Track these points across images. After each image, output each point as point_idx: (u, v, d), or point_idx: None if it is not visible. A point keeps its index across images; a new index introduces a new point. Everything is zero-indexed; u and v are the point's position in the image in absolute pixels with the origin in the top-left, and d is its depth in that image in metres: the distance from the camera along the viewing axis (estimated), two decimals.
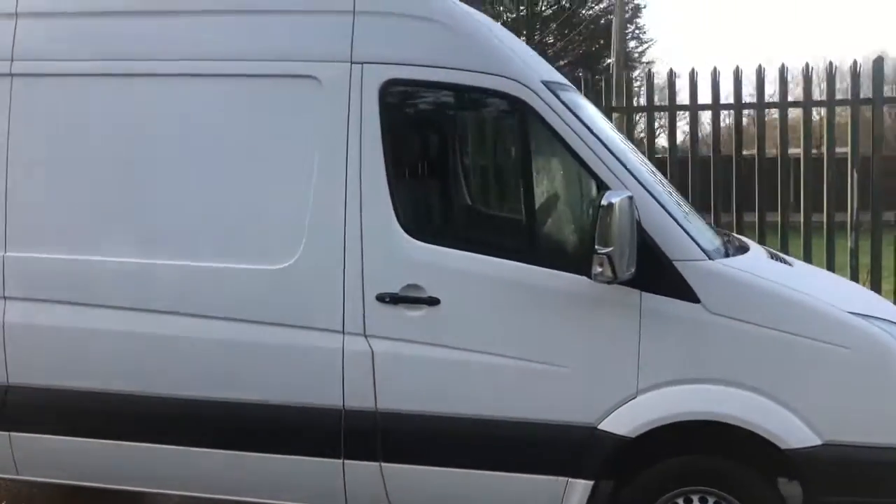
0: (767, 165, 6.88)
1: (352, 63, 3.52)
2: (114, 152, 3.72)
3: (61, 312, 3.73)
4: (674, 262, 3.27)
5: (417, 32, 3.49)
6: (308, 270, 3.54)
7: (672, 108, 7.29)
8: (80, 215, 3.74)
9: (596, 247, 3.10)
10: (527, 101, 3.40)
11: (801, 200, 6.60)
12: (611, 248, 3.08)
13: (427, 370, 3.47)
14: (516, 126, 3.46)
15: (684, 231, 3.35)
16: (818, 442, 3.22)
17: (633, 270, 3.16)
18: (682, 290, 3.26)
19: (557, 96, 3.43)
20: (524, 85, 3.42)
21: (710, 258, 3.34)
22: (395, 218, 3.47)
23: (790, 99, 6.93)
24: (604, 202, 3.08)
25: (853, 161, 6.56)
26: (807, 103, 6.83)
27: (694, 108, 7.08)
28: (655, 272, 3.25)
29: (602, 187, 3.30)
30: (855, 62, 6.49)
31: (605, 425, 3.34)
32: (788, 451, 3.23)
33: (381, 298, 3.47)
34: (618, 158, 3.38)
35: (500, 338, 3.41)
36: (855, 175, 6.48)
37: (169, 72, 3.65)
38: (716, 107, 6.98)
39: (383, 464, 3.53)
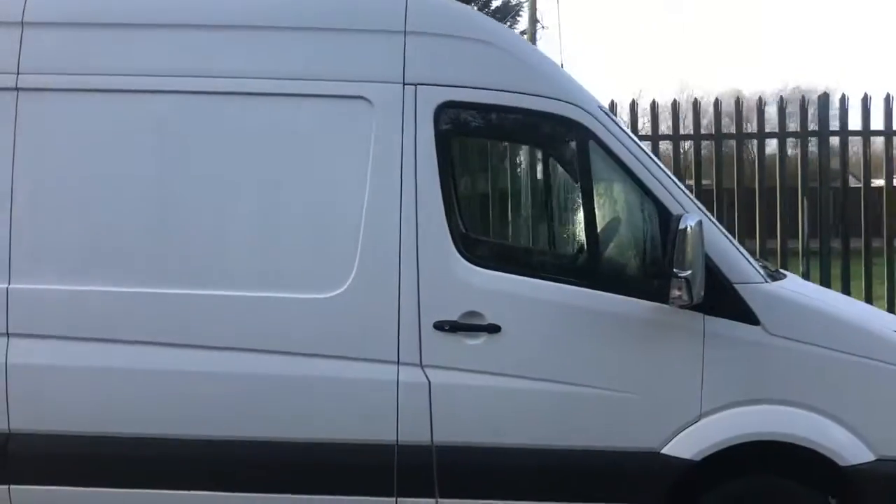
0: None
1: (404, 84, 3.41)
2: (142, 175, 3.44)
3: (80, 350, 3.39)
4: (735, 286, 3.31)
5: (473, 55, 3.43)
6: (360, 299, 3.37)
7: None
8: (103, 243, 3.42)
9: (675, 270, 3.11)
10: (587, 125, 3.39)
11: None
12: (689, 272, 3.10)
13: (486, 400, 3.36)
14: (576, 151, 3.44)
15: (742, 254, 3.42)
16: (873, 458, 3.32)
17: (702, 293, 3.19)
18: (743, 312, 3.31)
19: (614, 121, 3.44)
20: (584, 109, 3.41)
21: (766, 281, 3.41)
22: (452, 243, 3.37)
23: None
24: (681, 226, 3.09)
25: (803, 191, 6.97)
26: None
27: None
28: (718, 296, 3.29)
29: (663, 212, 3.33)
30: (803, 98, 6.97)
31: (668, 449, 3.33)
32: (847, 467, 3.31)
33: (439, 327, 3.34)
34: (675, 183, 3.42)
35: (564, 365, 3.35)
36: (805, 204, 6.88)
37: (206, 89, 3.42)
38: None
39: (440, 500, 3.38)
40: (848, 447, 3.32)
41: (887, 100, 6.68)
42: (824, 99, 6.79)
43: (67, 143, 3.45)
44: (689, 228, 3.09)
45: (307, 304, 3.38)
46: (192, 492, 3.39)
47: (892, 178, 6.75)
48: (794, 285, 3.61)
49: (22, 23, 3.48)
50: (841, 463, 3.32)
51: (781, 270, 4.16)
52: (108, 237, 3.43)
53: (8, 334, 3.41)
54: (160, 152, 3.45)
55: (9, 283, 3.41)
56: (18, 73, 3.46)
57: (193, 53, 3.45)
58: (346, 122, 3.42)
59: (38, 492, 3.43)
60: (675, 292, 3.13)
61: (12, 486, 3.43)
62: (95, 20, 3.50)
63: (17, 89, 3.45)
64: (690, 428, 3.33)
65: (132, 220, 3.44)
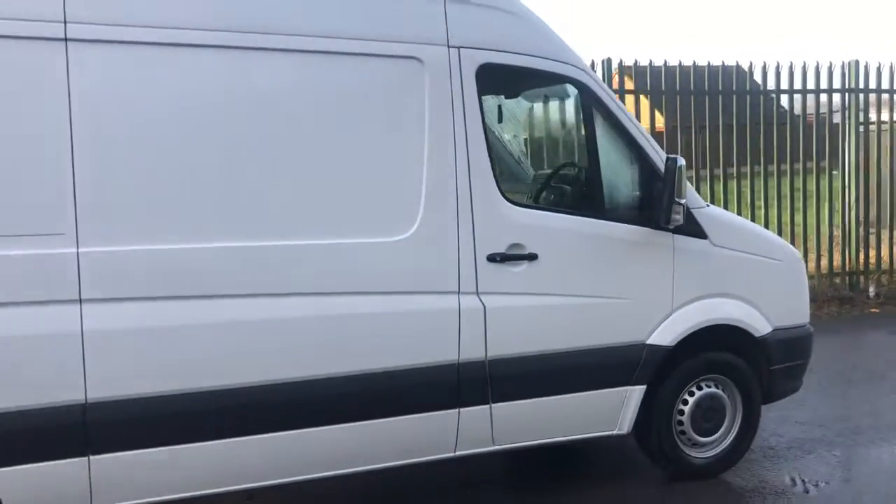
0: None
1: (449, 47, 3.83)
2: (216, 132, 3.43)
3: (163, 309, 3.35)
4: (691, 210, 4.35)
5: (503, 24, 3.96)
6: (425, 240, 3.79)
7: None
8: (180, 200, 3.38)
9: (676, 198, 4.04)
10: (588, 85, 4.16)
11: None
12: (685, 199, 4.06)
13: (527, 317, 4.02)
14: (581, 106, 4.19)
15: (691, 186, 4.46)
16: (770, 329, 4.63)
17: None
18: (697, 230, 4.37)
19: (602, 84, 4.23)
20: (584, 71, 4.16)
21: (707, 206, 4.50)
22: (496, 187, 3.92)
23: None
24: (679, 164, 4.03)
25: None
26: None
27: None
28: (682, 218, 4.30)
29: (643, 156, 4.24)
30: None
31: (652, 339, 4.31)
32: (759, 337, 4.59)
33: (491, 259, 3.90)
34: (644, 133, 4.33)
35: (584, 282, 4.13)
36: None
37: (276, 46, 3.50)
38: None
39: (493, 405, 3.99)
40: (759, 323, 4.59)
41: None
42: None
43: (132, 100, 3.32)
44: (682, 166, 4.04)
45: (378, 248, 3.72)
46: (286, 432, 3.59)
47: None
48: (719, 208, 4.78)
49: None
50: (756, 335, 4.59)
51: None
52: (185, 194, 3.40)
53: (81, 300, 3.25)
54: (231, 109, 3.47)
55: (78, 248, 3.23)
56: (66, 22, 3.21)
57: (268, 12, 3.50)
58: (403, 80, 3.76)
59: (120, 458, 3.35)
60: (675, 216, 4.08)
61: (92, 457, 3.32)
62: None
63: (66, 40, 3.21)
64: (666, 321, 4.34)
65: (208, 177, 3.44)
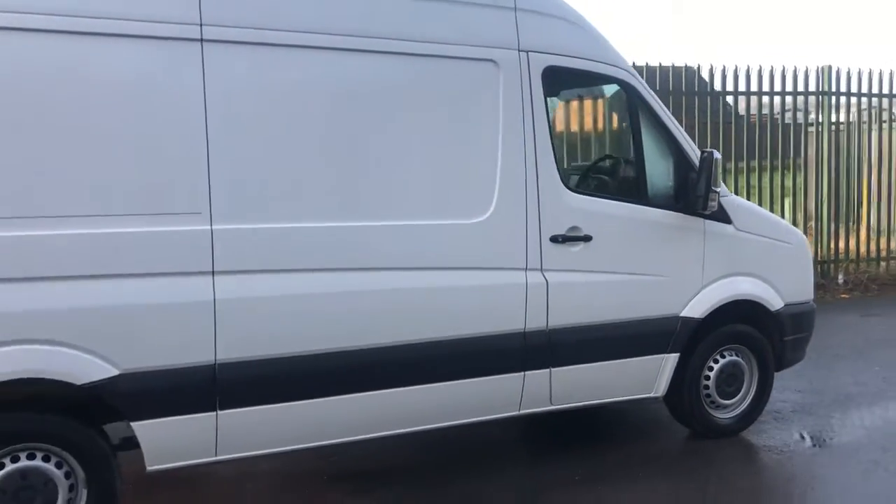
0: None
1: (519, 51, 4.34)
2: (334, 125, 3.90)
3: (285, 281, 3.79)
4: (720, 198, 4.92)
5: (564, 31, 4.49)
6: (498, 222, 4.28)
7: None
8: (301, 185, 3.83)
9: (713, 188, 4.61)
10: (635, 86, 4.71)
11: None
12: (720, 188, 4.63)
13: (582, 291, 4.55)
14: (630, 106, 4.74)
15: None
16: (783, 304, 5.24)
17: None
18: (724, 216, 4.95)
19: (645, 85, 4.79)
20: (631, 74, 4.70)
21: (730, 194, 5.09)
22: (558, 176, 4.44)
23: None
24: (715, 157, 4.60)
25: None
26: None
27: None
28: None
29: (680, 150, 4.81)
30: None
31: (685, 312, 4.88)
32: (773, 311, 5.20)
33: (553, 240, 4.42)
34: (681, 130, 4.89)
35: (630, 260, 4.68)
36: None
37: (378, 49, 3.96)
38: None
39: (552, 369, 4.51)
40: (774, 299, 5.20)
41: None
42: None
43: (257, 96, 3.75)
44: (718, 158, 4.61)
45: (460, 229, 4.20)
46: (385, 390, 4.05)
47: None
48: (738, 197, 5.38)
49: None
50: (771, 309, 5.19)
51: None
52: (301, 180, 3.84)
53: (213, 272, 3.67)
54: (340, 105, 3.93)
55: (212, 225, 3.65)
56: (202, 25, 3.63)
57: (371, 18, 3.96)
58: (481, 80, 4.25)
59: (243, 413, 3.78)
60: (711, 203, 4.65)
61: (220, 412, 3.74)
62: None
63: (201, 40, 3.62)
64: (697, 296, 4.91)
65: (320, 165, 3.89)
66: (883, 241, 10.99)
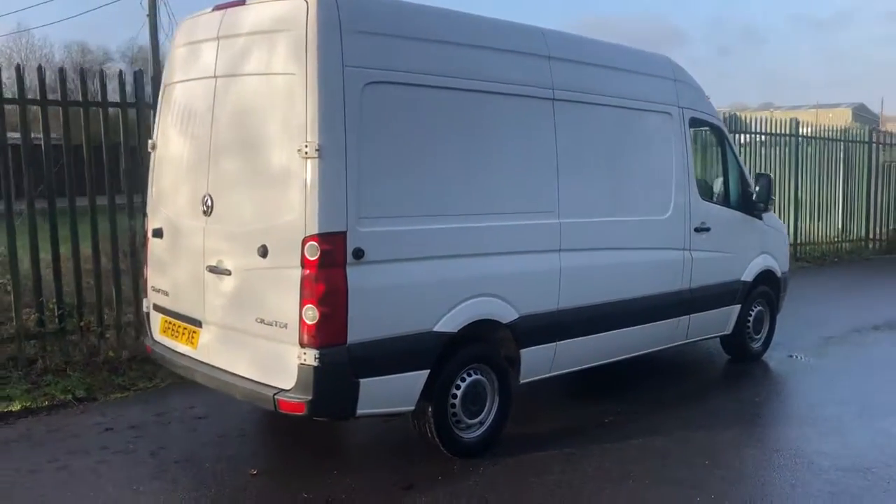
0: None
1: (679, 107, 6.72)
2: (606, 153, 6.04)
3: (588, 256, 5.82)
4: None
5: (695, 93, 6.97)
6: (673, 219, 6.63)
7: None
8: (592, 194, 5.90)
9: (771, 197, 7.33)
10: (722, 128, 7.34)
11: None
12: (774, 199, 7.37)
13: (707, 263, 7.01)
14: (720, 143, 7.34)
15: None
16: (780, 273, 8.11)
17: None
18: (760, 216, 7.69)
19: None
20: (720, 120, 7.30)
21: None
22: (697, 188, 6.87)
23: None
24: (770, 178, 7.34)
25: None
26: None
27: None
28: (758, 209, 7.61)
29: (742, 172, 7.48)
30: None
31: (743, 277, 7.55)
32: (779, 277, 8.04)
33: (696, 230, 6.84)
34: (740, 158, 7.57)
35: (725, 243, 7.23)
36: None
37: (594, 102, 6.00)
38: None
39: (691, 315, 6.93)
40: (778, 269, 8.05)
41: None
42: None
43: (578, 135, 5.76)
44: (772, 179, 7.34)
45: (655, 222, 6.48)
46: (622, 329, 6.19)
47: None
48: None
49: (549, 57, 5.58)
50: (779, 275, 8.04)
51: None
52: (593, 192, 5.91)
53: (560, 250, 5.61)
54: (611, 140, 6.08)
55: (559, 220, 5.60)
56: (553, 89, 5.58)
57: (589, 81, 6.02)
58: (664, 125, 6.57)
59: (570, 342, 5.74)
60: (771, 209, 7.36)
61: (558, 342, 5.68)
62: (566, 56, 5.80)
63: (553, 100, 5.58)
64: (748, 267, 7.60)
65: (603, 180, 6.00)
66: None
